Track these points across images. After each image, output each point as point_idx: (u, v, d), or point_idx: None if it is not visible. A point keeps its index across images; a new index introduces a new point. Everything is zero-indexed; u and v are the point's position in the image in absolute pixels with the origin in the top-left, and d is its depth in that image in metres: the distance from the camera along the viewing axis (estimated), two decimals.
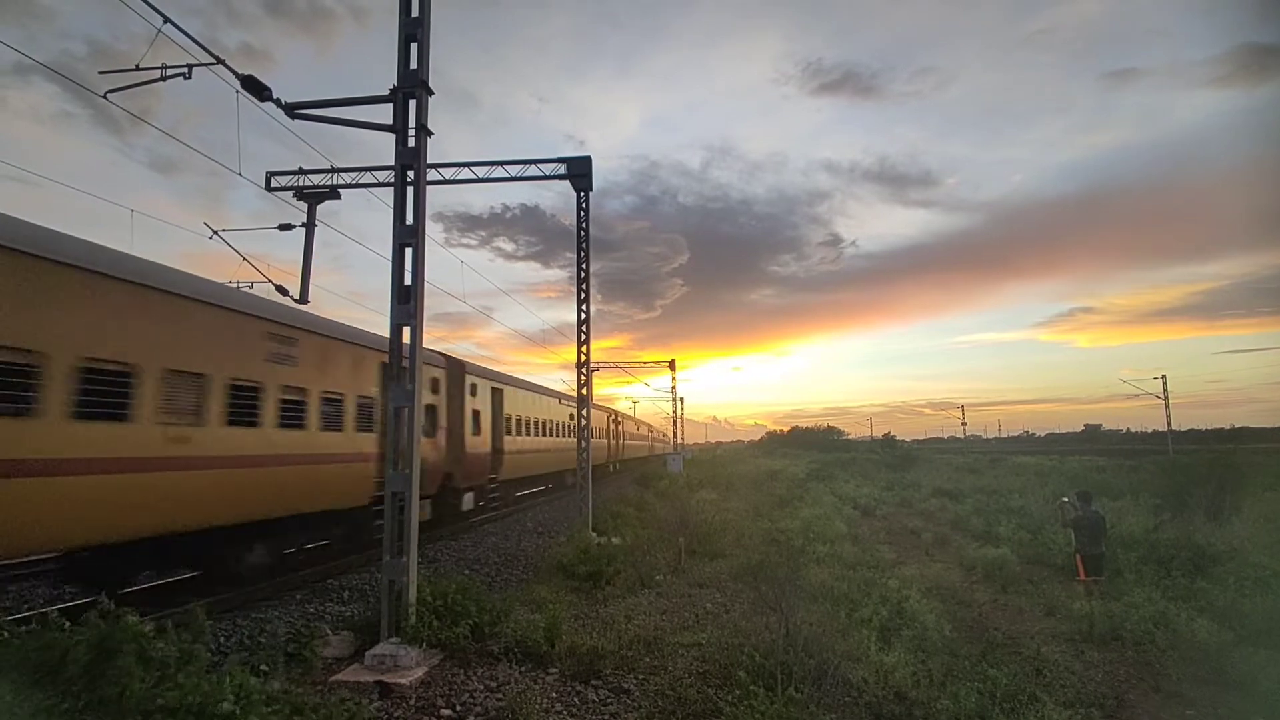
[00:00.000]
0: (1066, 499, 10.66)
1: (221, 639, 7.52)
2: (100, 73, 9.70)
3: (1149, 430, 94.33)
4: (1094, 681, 6.89)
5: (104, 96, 9.49)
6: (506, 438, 20.96)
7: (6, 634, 4.01)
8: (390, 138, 7.81)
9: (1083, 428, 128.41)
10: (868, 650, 6.67)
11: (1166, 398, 51.08)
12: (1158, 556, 11.24)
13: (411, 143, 7.75)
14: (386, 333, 7.76)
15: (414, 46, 7.72)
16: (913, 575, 10.75)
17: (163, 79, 9.63)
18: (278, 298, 13.26)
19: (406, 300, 7.57)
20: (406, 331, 7.58)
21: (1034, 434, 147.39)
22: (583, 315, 15.64)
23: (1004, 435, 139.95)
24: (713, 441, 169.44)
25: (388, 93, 7.81)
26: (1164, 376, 51.40)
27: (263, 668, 5.53)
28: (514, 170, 14.56)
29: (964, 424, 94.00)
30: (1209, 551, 11.34)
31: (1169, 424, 52.02)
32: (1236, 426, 77.97)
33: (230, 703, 3.99)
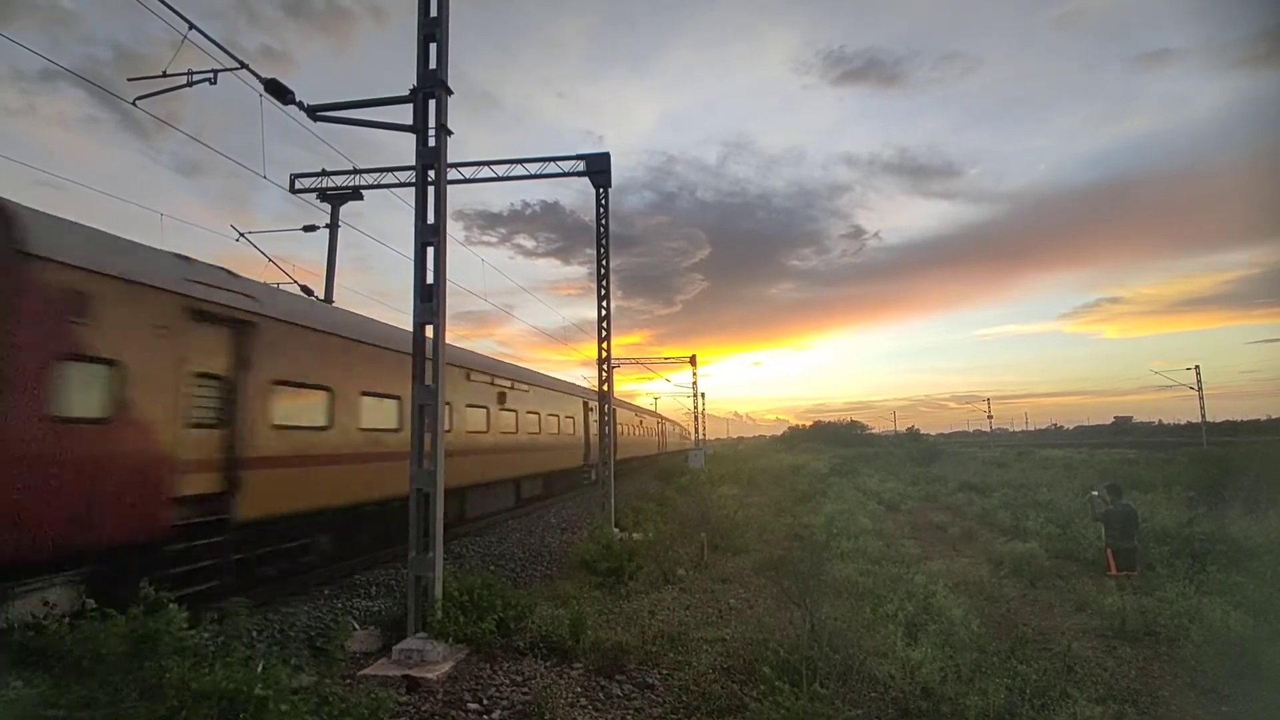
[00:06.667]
0: (1096, 492, 10.46)
1: (253, 633, 7.67)
2: (129, 79, 9.90)
3: (1181, 422, 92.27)
4: (1127, 678, 6.77)
5: (133, 103, 9.68)
6: None
7: (53, 628, 4.16)
8: (411, 138, 7.88)
9: (1112, 420, 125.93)
10: (894, 646, 6.61)
11: (1200, 389, 49.99)
12: (1191, 550, 11.01)
13: (432, 142, 7.80)
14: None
15: (433, 47, 7.77)
16: (939, 570, 10.63)
17: (189, 84, 9.81)
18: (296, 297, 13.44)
19: (429, 299, 7.64)
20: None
21: (1062, 427, 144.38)
22: (603, 311, 15.66)
23: (1031, 428, 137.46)
24: (734, 436, 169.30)
25: (408, 93, 7.87)
26: (1197, 367, 50.37)
27: (293, 661, 5.64)
28: (533, 168, 14.63)
29: (990, 417, 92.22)
30: (1245, 545, 11.07)
31: (1203, 415, 50.95)
32: (1273, 417, 75.79)
33: (261, 689, 4.10)
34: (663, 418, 58.30)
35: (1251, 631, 7.39)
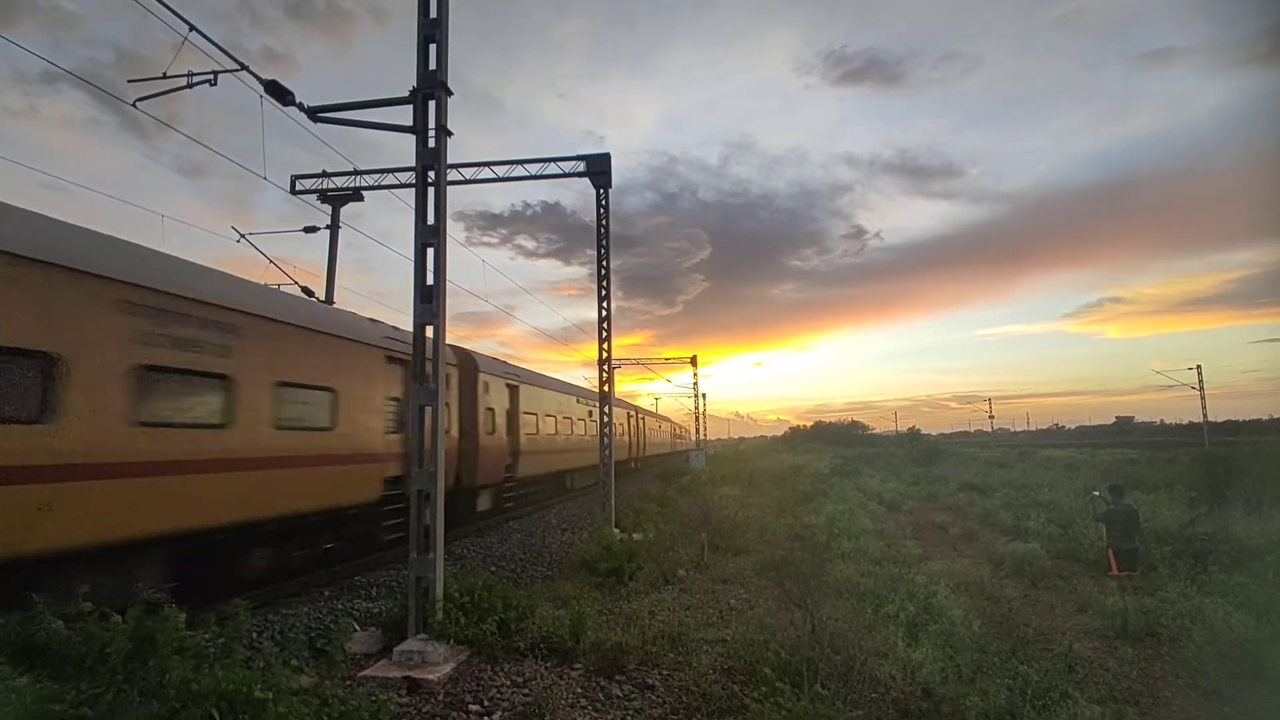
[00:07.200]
0: (1098, 492, 10.45)
1: (254, 635, 7.66)
2: (130, 81, 9.91)
3: (1184, 422, 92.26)
4: (1128, 679, 6.76)
5: (134, 105, 9.69)
6: None
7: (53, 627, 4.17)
8: (411, 139, 7.88)
9: (1114, 420, 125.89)
10: (894, 646, 6.60)
11: (1202, 388, 49.96)
12: (1193, 551, 11.00)
13: (432, 143, 7.79)
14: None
15: (433, 48, 7.76)
16: (940, 570, 10.62)
17: (189, 86, 9.82)
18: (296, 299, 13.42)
19: (429, 300, 7.64)
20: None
21: (1064, 427, 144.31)
22: (604, 312, 15.64)
23: (1033, 428, 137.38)
24: (735, 437, 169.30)
25: (408, 94, 7.86)
26: (1199, 367, 50.37)
27: (293, 662, 5.64)
28: (533, 169, 14.62)
29: (991, 417, 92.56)
30: (1247, 545, 11.06)
31: (1205, 415, 50.96)
32: (1275, 417, 75.64)
33: (261, 690, 4.10)
34: (639, 410, 43.29)
35: (1254, 632, 7.37)
